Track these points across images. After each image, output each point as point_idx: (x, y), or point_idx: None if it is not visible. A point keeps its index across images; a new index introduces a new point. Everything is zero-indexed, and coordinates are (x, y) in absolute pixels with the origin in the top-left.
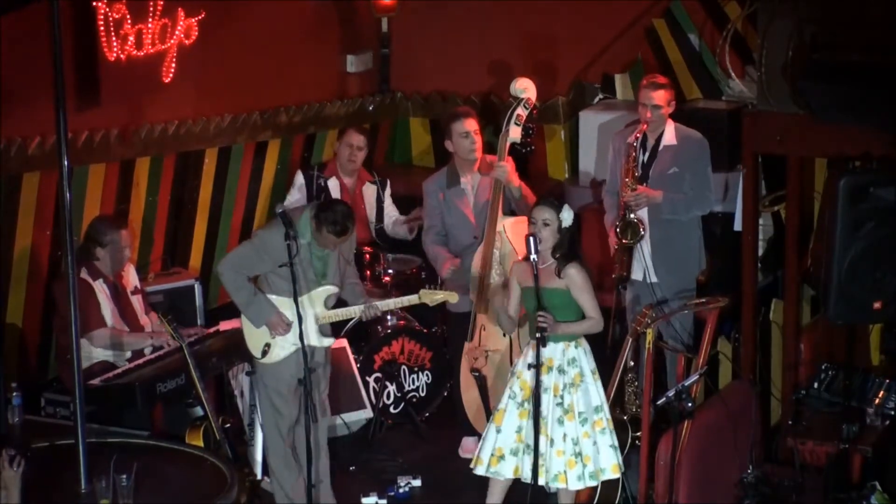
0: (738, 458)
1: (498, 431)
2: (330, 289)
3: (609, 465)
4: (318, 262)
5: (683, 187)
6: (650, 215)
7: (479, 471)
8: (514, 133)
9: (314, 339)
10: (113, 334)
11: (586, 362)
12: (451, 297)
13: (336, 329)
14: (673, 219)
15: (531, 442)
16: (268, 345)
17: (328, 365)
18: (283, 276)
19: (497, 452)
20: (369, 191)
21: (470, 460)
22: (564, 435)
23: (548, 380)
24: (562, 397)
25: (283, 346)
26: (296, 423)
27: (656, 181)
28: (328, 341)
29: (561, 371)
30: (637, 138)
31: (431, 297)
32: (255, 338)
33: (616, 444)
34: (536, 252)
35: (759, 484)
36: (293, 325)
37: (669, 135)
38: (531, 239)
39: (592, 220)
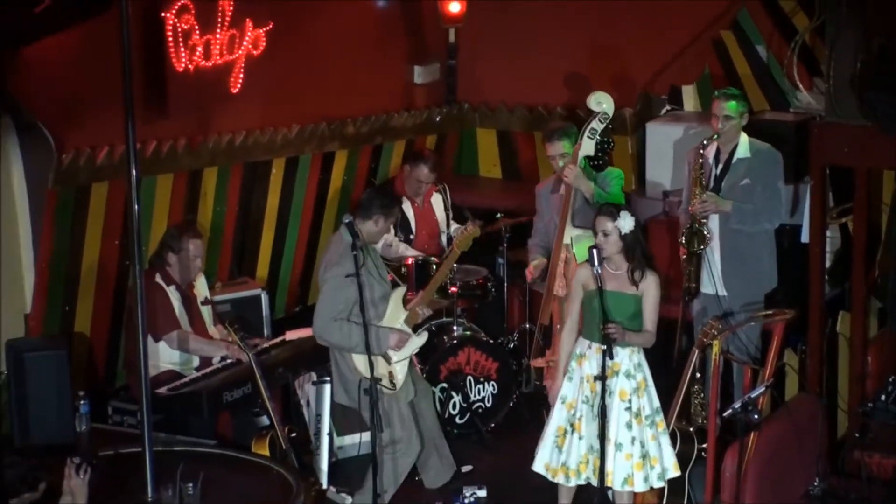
0: (805, 470)
1: (567, 449)
2: (402, 288)
3: (671, 463)
4: (378, 262)
5: (754, 199)
6: (721, 225)
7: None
8: (587, 146)
9: (414, 339)
10: (190, 337)
11: (647, 367)
12: (475, 231)
13: None
14: (741, 229)
15: (597, 446)
16: (391, 372)
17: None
18: (370, 302)
19: (562, 470)
20: (437, 200)
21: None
22: (633, 439)
23: (614, 384)
24: (630, 401)
25: (402, 366)
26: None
27: (728, 193)
28: (423, 337)
29: (628, 376)
30: (703, 145)
31: (465, 243)
32: (378, 372)
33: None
34: (599, 264)
35: (826, 497)
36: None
37: (743, 148)
38: (593, 251)
39: (659, 232)
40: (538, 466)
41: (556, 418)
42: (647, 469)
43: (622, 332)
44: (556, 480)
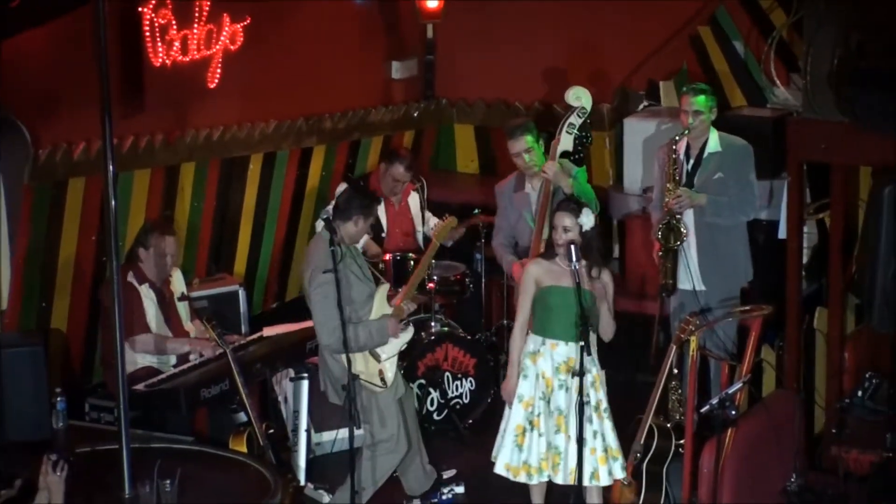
0: (782, 466)
1: (528, 447)
2: (386, 285)
3: (622, 455)
4: (361, 262)
5: (728, 192)
6: (696, 220)
7: (500, 471)
8: (566, 142)
9: (403, 334)
10: (155, 340)
11: (597, 362)
12: (451, 222)
13: None
14: (717, 222)
15: (559, 444)
16: (381, 370)
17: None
18: (359, 298)
19: (524, 468)
20: (414, 199)
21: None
22: (595, 433)
23: (570, 380)
24: (588, 395)
25: (391, 363)
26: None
27: (701, 187)
28: (410, 330)
29: (584, 371)
30: (675, 141)
31: (443, 234)
32: (368, 371)
33: None
34: (577, 260)
35: (803, 492)
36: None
37: (714, 142)
38: (571, 247)
39: (636, 228)
40: (499, 468)
41: (515, 417)
42: (610, 462)
43: (603, 292)
44: (518, 480)
